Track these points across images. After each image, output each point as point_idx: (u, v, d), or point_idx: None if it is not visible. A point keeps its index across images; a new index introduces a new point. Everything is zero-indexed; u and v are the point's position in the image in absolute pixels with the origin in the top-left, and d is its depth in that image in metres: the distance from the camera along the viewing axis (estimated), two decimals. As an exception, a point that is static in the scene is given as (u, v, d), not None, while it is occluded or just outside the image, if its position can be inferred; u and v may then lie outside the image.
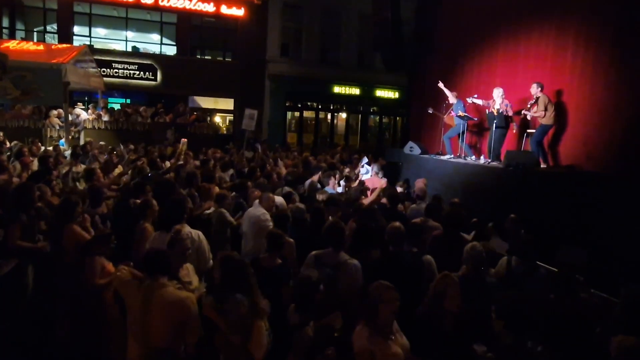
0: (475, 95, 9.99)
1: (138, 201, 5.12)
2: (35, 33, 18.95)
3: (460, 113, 10.05)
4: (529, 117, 8.93)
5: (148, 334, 3.06)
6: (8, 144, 10.83)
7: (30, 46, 13.94)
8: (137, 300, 3.08)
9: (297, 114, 21.79)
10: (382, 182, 7.64)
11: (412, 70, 15.11)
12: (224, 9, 18.97)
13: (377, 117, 23.23)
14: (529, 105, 8.73)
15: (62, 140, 12.59)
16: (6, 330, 4.66)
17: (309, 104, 21.77)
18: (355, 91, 21.33)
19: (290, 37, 20.60)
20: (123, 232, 4.90)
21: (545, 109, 8.50)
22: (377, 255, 4.14)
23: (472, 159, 10.13)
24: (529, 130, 9.24)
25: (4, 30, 17.81)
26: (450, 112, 10.73)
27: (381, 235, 4.27)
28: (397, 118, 22.91)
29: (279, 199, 5.91)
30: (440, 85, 10.82)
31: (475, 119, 10.56)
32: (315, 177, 7.70)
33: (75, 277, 4.07)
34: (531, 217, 6.41)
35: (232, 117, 20.98)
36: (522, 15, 10.04)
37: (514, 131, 9.55)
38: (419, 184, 7.38)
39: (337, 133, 22.44)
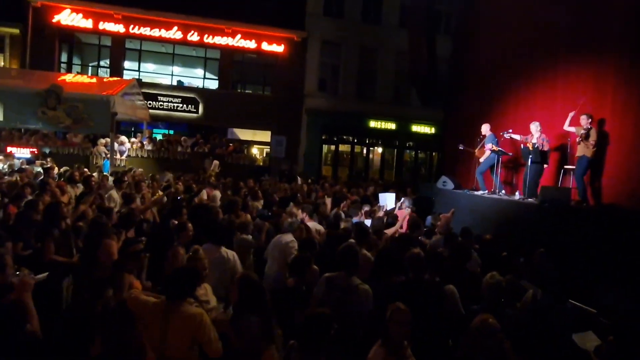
0: (510, 130, 9.86)
1: (176, 222, 5.30)
2: (90, 67, 20.30)
3: (493, 147, 9.91)
4: (588, 155, 8.30)
5: (166, 350, 3.11)
6: (57, 170, 11.48)
7: (84, 79, 14.89)
8: (156, 318, 3.15)
9: (332, 147, 22.06)
10: (405, 212, 7.58)
11: (447, 105, 15.11)
12: (265, 46, 19.76)
13: (413, 152, 23.16)
14: (579, 139, 8.38)
15: (107, 161, 13.18)
16: (40, 345, 4.84)
17: (344, 137, 22.01)
18: (391, 126, 21.44)
19: (328, 73, 21.12)
20: (159, 252, 5.07)
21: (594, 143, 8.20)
22: (398, 282, 4.09)
23: (502, 193, 9.91)
24: (566, 167, 8.98)
25: (62, 65, 19.18)
26: (482, 145, 10.59)
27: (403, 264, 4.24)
28: (433, 153, 22.76)
29: (314, 225, 6.02)
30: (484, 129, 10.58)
31: (510, 153, 10.37)
32: (342, 206, 7.74)
33: (103, 292, 4.21)
34: (566, 255, 6.16)
35: (268, 149, 21.47)
36: (559, 47, 9.93)
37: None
38: (443, 217, 7.27)
39: (372, 167, 22.47)
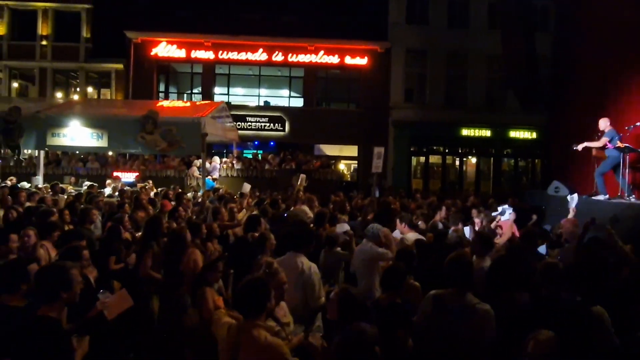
0: (638, 124, 8.42)
1: (256, 234, 4.99)
2: (185, 95, 21.51)
3: (619, 144, 8.48)
4: None
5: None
6: (155, 190, 11.98)
7: (178, 104, 15.66)
8: (229, 340, 2.72)
9: (422, 159, 21.05)
10: (510, 222, 6.62)
11: (552, 106, 13.63)
12: (348, 60, 19.53)
13: (512, 160, 21.35)
14: None
15: (208, 179, 13.58)
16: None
17: (434, 148, 20.91)
18: (486, 133, 19.97)
19: (414, 82, 20.34)
20: (242, 266, 4.76)
21: None
22: (523, 301, 3.31)
23: (631, 198, 8.43)
24: None
25: (160, 94, 20.52)
26: (601, 144, 9.13)
27: (528, 276, 3.45)
28: (535, 160, 20.79)
29: (415, 236, 5.42)
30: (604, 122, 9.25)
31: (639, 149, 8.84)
32: (437, 217, 6.99)
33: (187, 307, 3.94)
34: None
35: (356, 164, 21.05)
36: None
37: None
38: (567, 224, 6.15)
39: (466, 178, 21.04)
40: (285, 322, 3.37)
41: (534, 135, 19.67)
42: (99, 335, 3.55)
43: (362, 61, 19.60)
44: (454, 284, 3.09)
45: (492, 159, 20.97)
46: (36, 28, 19.64)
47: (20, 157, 15.30)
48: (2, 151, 14.64)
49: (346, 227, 6.05)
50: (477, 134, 19.96)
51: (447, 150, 20.92)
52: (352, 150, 20.65)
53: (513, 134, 19.99)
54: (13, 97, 19.21)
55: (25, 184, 11.22)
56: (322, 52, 19.42)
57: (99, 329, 3.57)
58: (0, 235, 4.67)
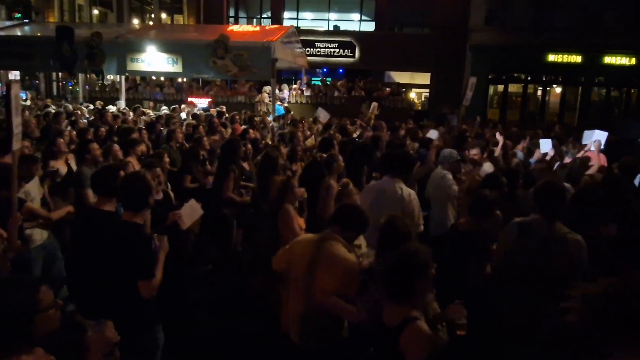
0: None
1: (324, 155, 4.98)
2: (254, 20, 21.23)
3: None
4: None
5: (313, 293, 2.73)
6: (227, 115, 12.28)
7: (248, 28, 15.52)
8: (308, 252, 2.78)
9: (500, 87, 19.67)
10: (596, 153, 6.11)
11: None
12: (426, -22, 18.10)
13: (603, 90, 19.38)
14: None
15: (278, 105, 13.73)
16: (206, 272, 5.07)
17: (515, 75, 19.38)
18: (576, 59, 18.05)
19: (497, 2, 18.51)
20: (311, 187, 4.82)
21: None
22: (610, 233, 3.07)
23: None
24: None
25: (230, 19, 20.39)
26: None
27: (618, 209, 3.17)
28: (632, 90, 18.74)
29: (489, 167, 5.20)
30: None
31: None
32: (520, 147, 6.59)
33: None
34: None
35: (427, 93, 20.15)
36: None
37: None
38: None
39: (548, 109, 19.50)
40: (356, 244, 3.39)
41: (633, 61, 17.54)
42: (178, 242, 3.81)
43: (440, -20, 18.06)
44: (543, 211, 2.90)
45: (580, 87, 19.14)
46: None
47: (104, 82, 16.17)
48: (88, 76, 15.51)
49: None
50: (565, 60, 18.11)
51: (529, 78, 19.33)
52: (424, 78, 19.68)
53: (608, 59, 17.91)
54: (94, 22, 20.00)
55: (112, 107, 11.90)
56: (396, -31, 18.11)
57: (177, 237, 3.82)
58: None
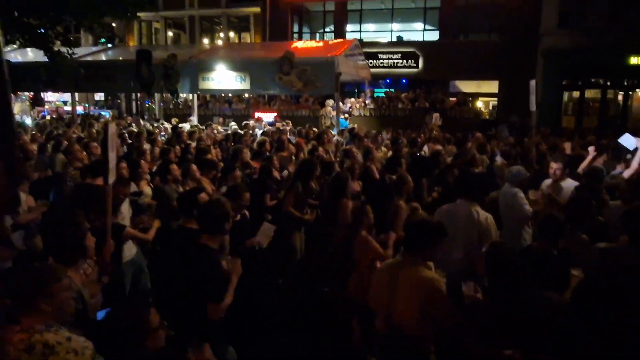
0: None
1: (394, 177, 4.97)
2: (317, 34, 21.65)
3: None
4: None
5: (394, 316, 2.76)
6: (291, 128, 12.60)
7: (312, 44, 15.85)
8: (384, 277, 2.81)
9: (576, 94, 18.57)
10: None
11: None
12: (493, -17, 17.58)
13: (696, 93, 17.74)
14: None
15: (342, 119, 13.89)
16: (277, 287, 5.24)
17: (593, 80, 18.21)
18: (661, 60, 16.71)
19: (572, 3, 17.53)
20: (378, 208, 4.83)
21: None
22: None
23: None
24: None
25: (294, 35, 20.94)
26: None
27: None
28: None
29: (571, 183, 4.87)
30: None
31: None
32: (600, 161, 6.15)
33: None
34: None
35: (495, 102, 19.47)
36: None
37: None
38: None
39: (631, 116, 18.12)
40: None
41: None
42: (250, 260, 3.98)
43: (509, -17, 17.46)
44: (632, 237, 2.72)
45: (666, 91, 17.66)
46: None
47: (178, 100, 17.17)
48: (163, 95, 16.54)
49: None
50: (649, 62, 16.82)
51: (608, 83, 18.07)
52: (492, 86, 19.03)
53: (701, 59, 16.43)
54: (169, 44, 21.33)
55: (186, 125, 12.61)
56: (461, -24, 17.74)
57: (250, 257, 4.00)
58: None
